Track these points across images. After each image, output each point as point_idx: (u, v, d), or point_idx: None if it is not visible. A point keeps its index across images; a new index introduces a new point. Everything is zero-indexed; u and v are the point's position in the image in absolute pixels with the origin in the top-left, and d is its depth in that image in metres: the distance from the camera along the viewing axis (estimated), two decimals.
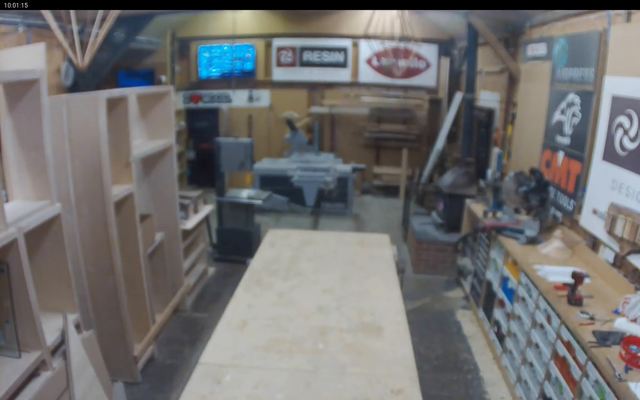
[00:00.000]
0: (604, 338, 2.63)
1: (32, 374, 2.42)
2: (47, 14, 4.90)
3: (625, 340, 2.45)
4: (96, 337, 3.10)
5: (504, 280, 4.28)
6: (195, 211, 5.58)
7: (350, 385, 2.42)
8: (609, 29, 3.68)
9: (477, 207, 5.45)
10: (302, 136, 8.81)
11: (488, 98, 7.02)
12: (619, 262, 3.36)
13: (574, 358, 2.81)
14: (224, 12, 9.10)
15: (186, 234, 5.25)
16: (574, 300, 3.05)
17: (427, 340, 4.60)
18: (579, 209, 4.00)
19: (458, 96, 8.10)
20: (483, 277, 4.89)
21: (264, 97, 9.90)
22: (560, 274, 3.44)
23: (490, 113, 6.88)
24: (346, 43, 9.78)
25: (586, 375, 2.64)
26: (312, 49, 9.91)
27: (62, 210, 2.70)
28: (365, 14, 9.00)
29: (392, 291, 3.45)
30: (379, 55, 9.66)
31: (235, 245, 6.30)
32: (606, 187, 3.50)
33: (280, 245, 4.25)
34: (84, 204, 3.45)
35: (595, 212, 3.66)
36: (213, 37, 9.77)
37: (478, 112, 7.17)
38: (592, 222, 3.72)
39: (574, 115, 4.24)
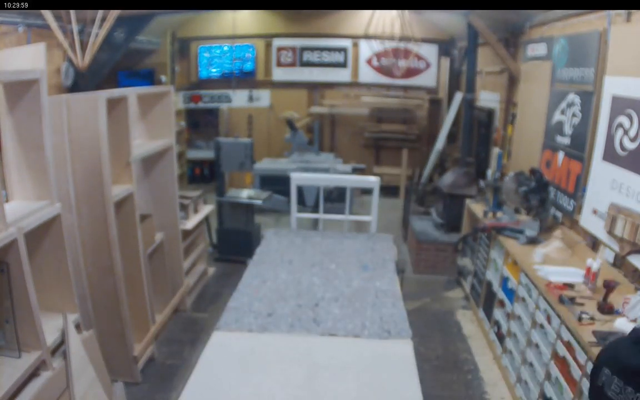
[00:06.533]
0: (604, 338, 2.63)
1: (32, 374, 2.42)
2: (47, 14, 4.89)
3: None
4: (96, 337, 3.10)
5: (504, 280, 4.28)
6: (195, 211, 5.58)
7: (350, 385, 2.42)
8: (609, 29, 3.68)
9: (477, 207, 5.45)
10: (302, 136, 8.79)
11: (488, 98, 7.02)
12: (619, 262, 3.36)
13: (574, 358, 2.81)
14: (224, 12, 9.09)
15: (186, 234, 5.25)
16: (606, 309, 2.95)
17: (427, 340, 4.60)
18: (579, 209, 4.00)
19: (458, 96, 8.10)
20: (483, 277, 4.89)
21: (264, 97, 9.88)
22: (561, 274, 3.44)
23: (490, 113, 6.87)
24: (346, 43, 9.77)
25: (586, 375, 2.63)
26: (312, 49, 9.90)
27: (62, 210, 2.70)
28: (365, 14, 8.99)
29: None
30: (379, 55, 9.65)
31: (235, 245, 6.30)
32: (606, 187, 3.50)
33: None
34: (84, 204, 3.45)
35: (595, 212, 3.66)
36: (213, 37, 9.76)
37: (478, 112, 7.17)
38: (592, 222, 3.72)
39: (574, 115, 4.24)
